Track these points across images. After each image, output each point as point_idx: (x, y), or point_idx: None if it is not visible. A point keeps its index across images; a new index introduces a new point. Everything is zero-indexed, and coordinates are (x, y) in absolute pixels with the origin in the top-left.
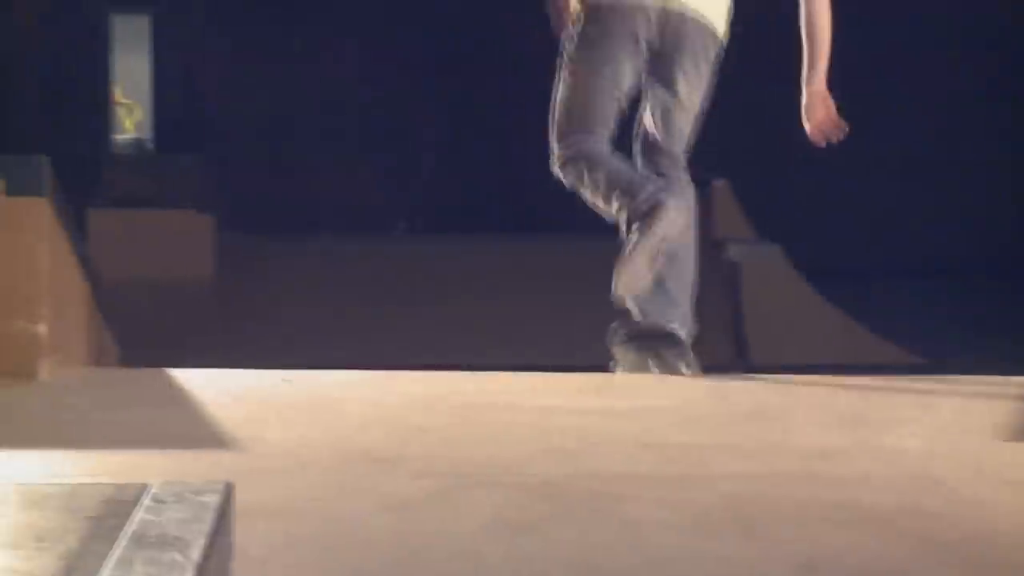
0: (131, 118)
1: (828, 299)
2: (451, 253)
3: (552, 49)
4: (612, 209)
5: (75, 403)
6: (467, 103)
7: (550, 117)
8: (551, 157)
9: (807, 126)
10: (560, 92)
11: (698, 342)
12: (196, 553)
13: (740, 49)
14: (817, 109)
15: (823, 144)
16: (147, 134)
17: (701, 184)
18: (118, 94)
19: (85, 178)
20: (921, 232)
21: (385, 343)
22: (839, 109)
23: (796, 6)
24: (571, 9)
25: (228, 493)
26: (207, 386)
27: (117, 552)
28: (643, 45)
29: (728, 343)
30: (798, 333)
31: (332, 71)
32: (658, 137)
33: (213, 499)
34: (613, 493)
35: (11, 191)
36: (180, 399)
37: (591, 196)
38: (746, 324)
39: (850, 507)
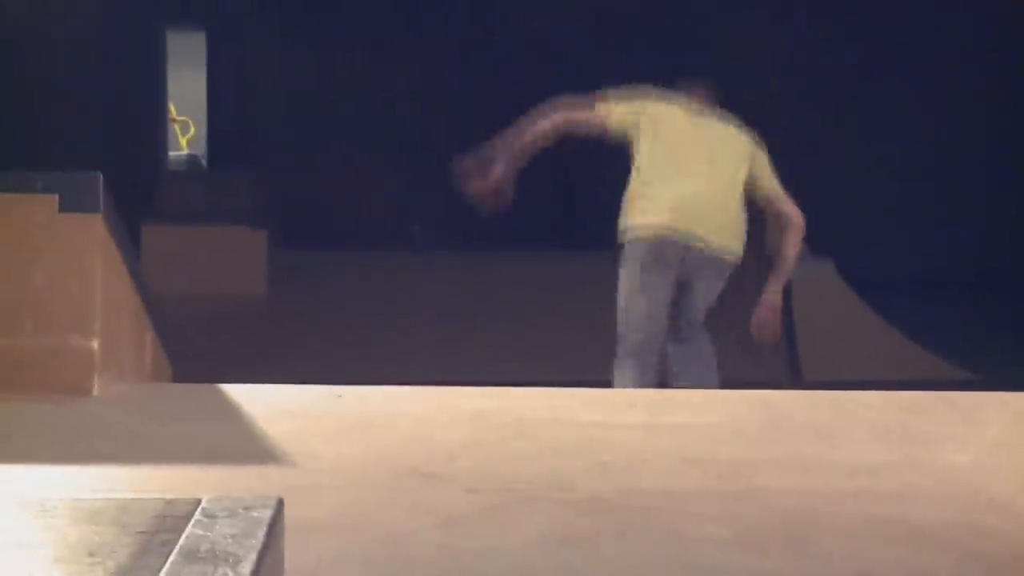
0: (186, 135)
1: (880, 313)
2: (503, 268)
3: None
4: None
5: (127, 418)
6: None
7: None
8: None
9: (752, 320)
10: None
11: (750, 357)
12: (247, 568)
13: (791, 77)
14: (766, 316)
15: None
16: (201, 151)
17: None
18: (173, 111)
19: (139, 194)
20: (977, 243)
21: (435, 358)
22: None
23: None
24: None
25: (279, 508)
26: (258, 401)
27: (168, 567)
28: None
29: (780, 359)
30: (849, 348)
31: (386, 88)
32: (680, 322)
33: (264, 514)
34: (661, 508)
35: (65, 207)
36: (231, 414)
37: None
38: (798, 340)
39: (900, 523)
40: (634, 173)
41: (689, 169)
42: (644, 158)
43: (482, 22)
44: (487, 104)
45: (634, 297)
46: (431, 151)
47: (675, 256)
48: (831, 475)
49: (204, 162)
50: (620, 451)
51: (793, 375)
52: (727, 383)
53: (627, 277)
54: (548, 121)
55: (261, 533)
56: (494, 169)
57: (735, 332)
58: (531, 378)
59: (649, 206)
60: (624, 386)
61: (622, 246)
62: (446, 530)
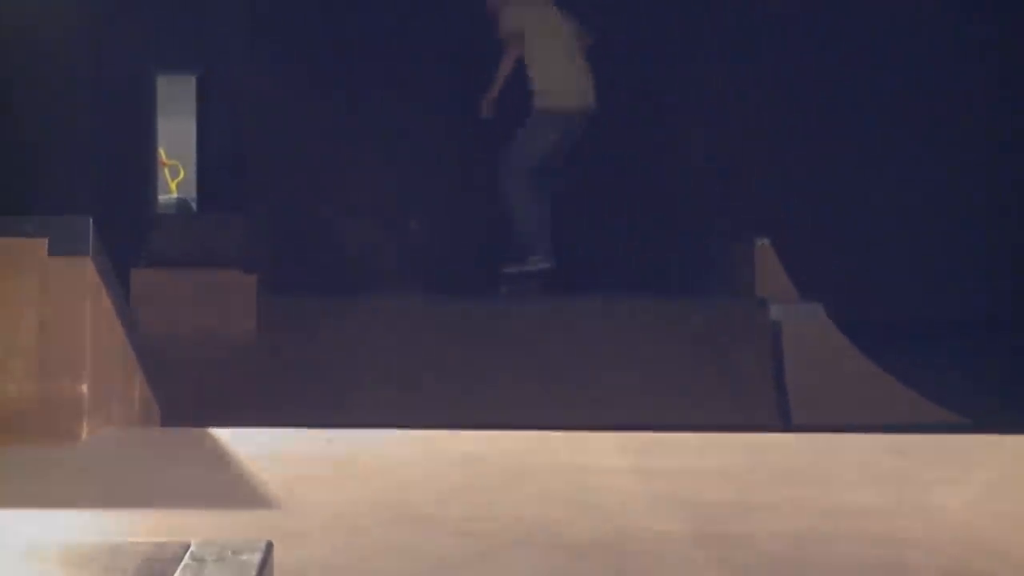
0: (175, 179)
1: (871, 356)
2: (496, 313)
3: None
4: None
5: (117, 462)
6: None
7: None
8: None
9: None
10: None
11: (739, 401)
12: None
13: (771, 114)
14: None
15: None
16: (191, 194)
17: (745, 244)
18: (163, 155)
19: (129, 238)
20: (967, 285)
21: (426, 402)
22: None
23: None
24: None
25: (268, 552)
26: (249, 445)
27: None
28: None
29: (770, 402)
30: (840, 392)
31: (376, 130)
32: None
33: (253, 558)
34: (654, 552)
35: (54, 251)
36: (221, 458)
37: None
38: (788, 383)
39: (892, 567)
40: None
41: None
42: None
43: (476, 69)
44: (481, 157)
45: None
46: (424, 195)
47: None
48: (822, 519)
49: (194, 206)
50: (611, 495)
51: (783, 418)
52: (717, 427)
53: None
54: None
55: None
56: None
57: (725, 377)
58: (527, 421)
59: None
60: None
61: None
62: (438, 574)
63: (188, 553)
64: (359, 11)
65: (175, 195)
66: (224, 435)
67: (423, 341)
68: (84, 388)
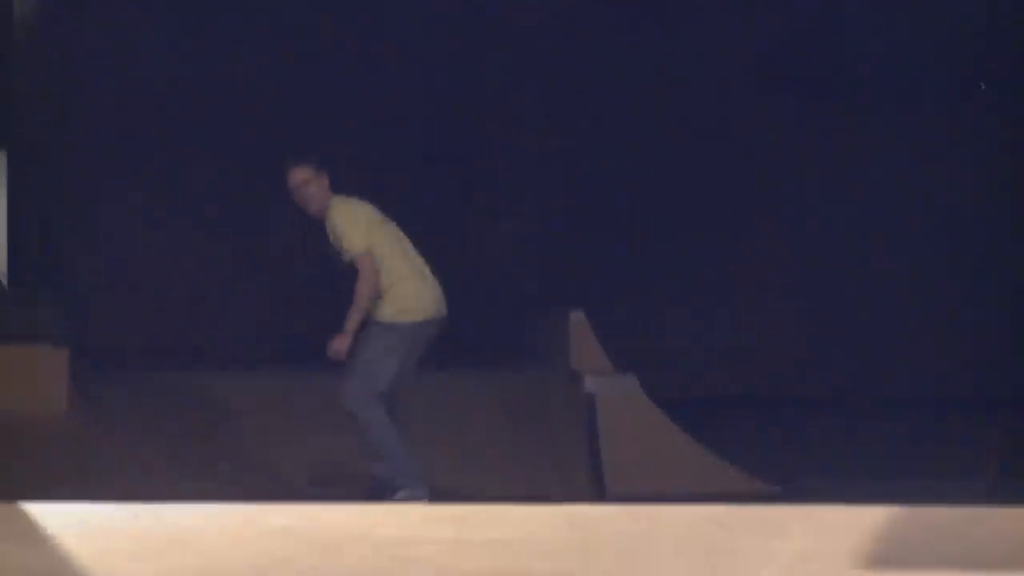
0: None
1: (685, 429)
2: (307, 386)
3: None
4: None
5: None
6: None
7: None
8: None
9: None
10: None
11: (556, 472)
12: None
13: (593, 190)
14: (337, 339)
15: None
16: (0, 270)
17: (558, 317)
18: None
19: None
20: (776, 358)
21: (243, 476)
22: None
23: None
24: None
25: None
26: (61, 520)
27: None
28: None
29: (585, 473)
30: (654, 463)
31: (187, 202)
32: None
33: None
34: None
35: None
36: (34, 534)
37: None
38: (603, 454)
39: None
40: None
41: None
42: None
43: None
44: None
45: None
46: (241, 271)
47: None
48: None
49: (4, 281)
50: (429, 568)
51: (598, 489)
52: (534, 498)
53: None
54: (371, 295)
55: None
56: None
57: (540, 448)
58: (342, 493)
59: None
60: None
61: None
62: None
63: None
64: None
65: None
66: (36, 510)
67: (238, 415)
68: None
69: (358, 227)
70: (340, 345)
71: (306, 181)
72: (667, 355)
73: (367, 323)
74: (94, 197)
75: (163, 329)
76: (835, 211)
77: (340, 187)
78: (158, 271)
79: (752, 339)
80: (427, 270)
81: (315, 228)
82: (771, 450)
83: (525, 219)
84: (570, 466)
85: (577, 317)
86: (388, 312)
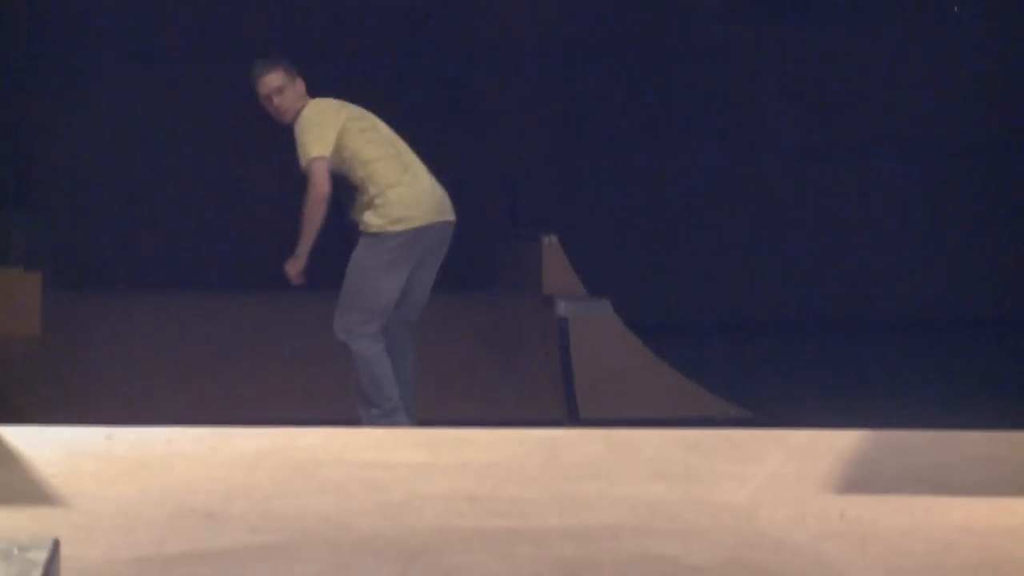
0: None
1: (658, 353)
2: (281, 307)
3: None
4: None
5: None
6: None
7: None
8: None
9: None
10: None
11: (528, 397)
12: None
13: (569, 110)
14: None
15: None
16: None
17: (531, 241)
18: None
19: None
20: (756, 285)
21: (212, 400)
22: None
23: None
24: None
25: (55, 549)
26: (33, 443)
27: None
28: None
29: (558, 398)
30: (627, 387)
31: (159, 122)
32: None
33: (40, 555)
34: (441, 547)
35: None
36: (5, 456)
37: None
38: (575, 379)
39: (678, 561)
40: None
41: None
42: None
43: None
44: (253, 142)
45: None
46: (213, 188)
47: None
48: (609, 513)
49: None
50: (401, 490)
51: (570, 414)
52: (506, 422)
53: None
54: (320, 210)
55: (37, 574)
56: (300, 262)
57: (513, 372)
58: (317, 417)
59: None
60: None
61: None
62: (226, 570)
63: None
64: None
65: None
66: (7, 433)
67: (214, 338)
68: None
69: (320, 130)
70: (293, 269)
71: (279, 89)
72: (640, 279)
73: (359, 237)
74: (69, 117)
75: (138, 252)
76: (813, 131)
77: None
78: (134, 192)
79: (726, 263)
80: (426, 174)
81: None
82: (744, 375)
83: (499, 142)
84: (543, 390)
85: (550, 241)
86: (376, 223)
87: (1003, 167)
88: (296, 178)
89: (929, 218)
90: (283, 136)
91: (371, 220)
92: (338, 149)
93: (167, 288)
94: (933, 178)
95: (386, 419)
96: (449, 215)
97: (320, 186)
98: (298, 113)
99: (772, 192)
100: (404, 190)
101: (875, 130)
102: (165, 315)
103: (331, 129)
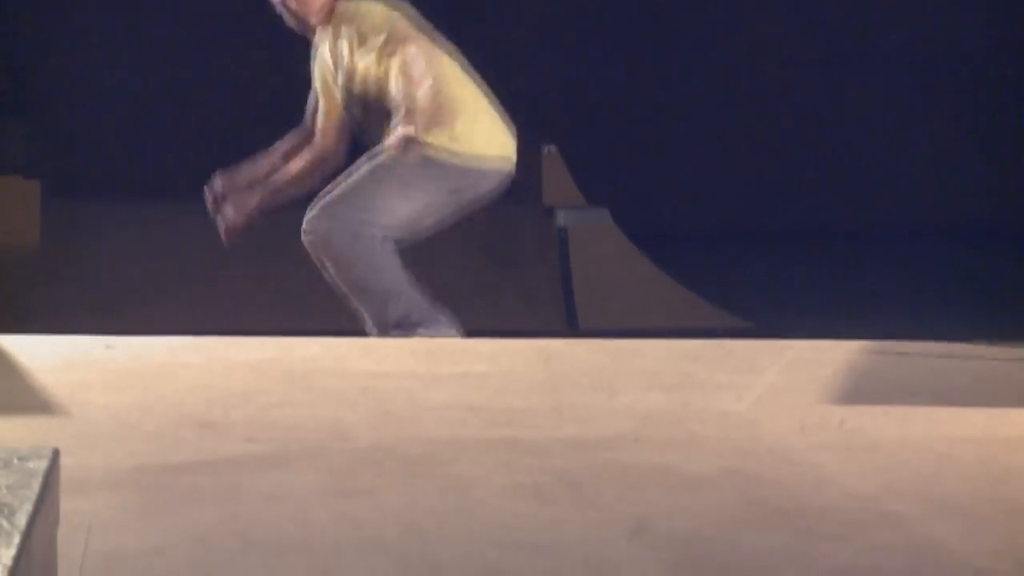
0: None
1: (658, 263)
2: (282, 216)
3: None
4: None
5: None
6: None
7: None
8: None
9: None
10: None
11: (527, 307)
12: (22, 519)
13: (571, 22)
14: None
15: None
16: None
17: (531, 151)
18: None
19: None
20: (757, 195)
21: (213, 309)
22: None
23: None
24: None
25: (54, 459)
26: (32, 352)
27: None
28: None
29: (557, 308)
30: (626, 297)
31: (161, 25)
32: None
33: (39, 465)
34: (442, 458)
35: None
36: (4, 365)
37: None
38: (575, 289)
39: (677, 471)
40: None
41: None
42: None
43: None
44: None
45: None
46: (214, 96)
47: None
48: (609, 423)
49: None
50: (400, 400)
51: (570, 324)
52: (505, 332)
53: None
54: (306, 165)
55: (36, 484)
56: (249, 200)
57: (512, 282)
58: (315, 327)
59: None
60: None
61: None
62: (226, 479)
63: None
64: None
65: None
66: (6, 341)
67: (214, 248)
68: None
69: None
70: (228, 221)
71: None
72: (641, 189)
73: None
74: (68, 22)
75: (138, 159)
76: (813, 40)
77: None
78: (134, 100)
79: (727, 173)
80: (495, 104)
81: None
82: (744, 285)
83: (500, 52)
84: (542, 300)
85: (549, 151)
86: (443, 144)
87: (1006, 75)
88: (301, 80)
89: (934, 126)
90: (288, 41)
91: (437, 140)
92: (387, 55)
93: (168, 196)
94: (936, 85)
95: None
96: (511, 165)
97: (330, 145)
98: (327, 16)
99: (773, 101)
100: (483, 117)
101: (877, 39)
102: (166, 223)
103: (384, 33)
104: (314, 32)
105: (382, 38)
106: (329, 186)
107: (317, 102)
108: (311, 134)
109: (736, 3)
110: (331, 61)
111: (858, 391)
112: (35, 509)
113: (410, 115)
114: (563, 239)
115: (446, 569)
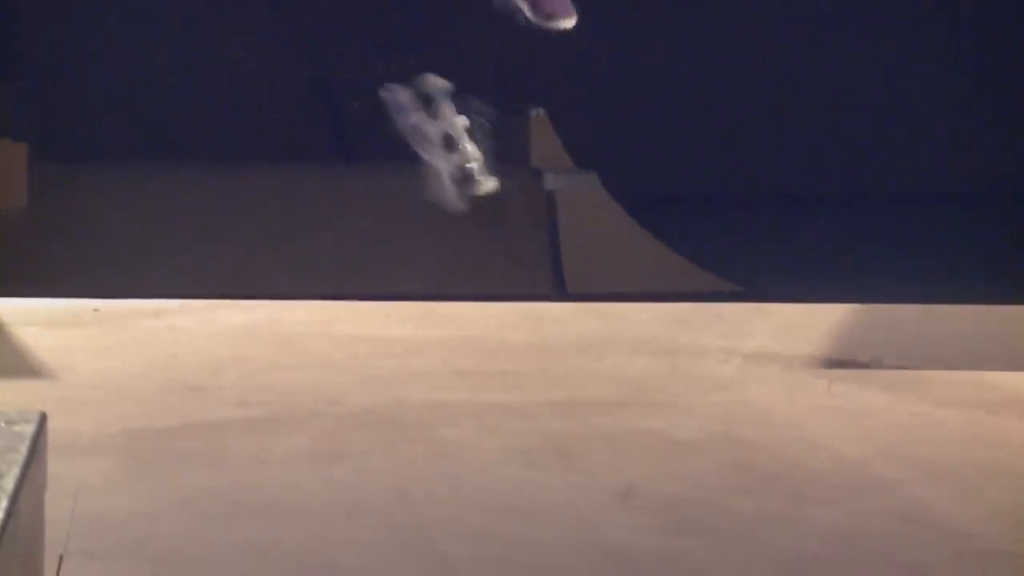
0: None
1: (646, 227)
2: (269, 180)
3: None
4: None
5: None
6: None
7: None
8: None
9: None
10: None
11: (515, 271)
12: (9, 483)
13: None
14: None
15: None
16: None
17: (518, 114)
18: None
19: None
20: (746, 159)
21: (200, 273)
22: None
23: None
24: None
25: (42, 423)
26: (19, 316)
27: None
28: None
29: (545, 272)
30: (615, 261)
31: None
32: None
33: (27, 429)
34: (429, 421)
35: None
36: None
37: None
38: (563, 253)
39: (665, 435)
40: None
41: None
42: None
43: None
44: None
45: None
46: (207, 59)
47: None
48: (597, 387)
49: None
50: (388, 364)
51: (558, 288)
52: (493, 296)
53: None
54: None
55: (24, 448)
56: None
57: (500, 245)
58: (302, 291)
59: None
60: None
61: None
62: (213, 443)
63: None
64: None
65: None
66: None
67: (202, 209)
68: None
69: None
70: None
71: None
72: (629, 152)
73: None
74: None
75: (126, 122)
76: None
77: None
78: (122, 62)
79: (715, 136)
80: None
81: None
82: (732, 248)
83: (486, 14)
84: (530, 265)
85: (538, 114)
86: None
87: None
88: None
89: (920, 91)
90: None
91: None
92: None
93: (156, 159)
94: (937, 39)
95: None
96: None
97: None
98: None
99: (761, 63)
100: None
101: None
102: (154, 187)
103: None
104: None
105: None
106: None
107: None
108: None
109: None
110: None
111: (845, 355)
112: (22, 473)
113: None
114: (551, 203)
115: (434, 532)
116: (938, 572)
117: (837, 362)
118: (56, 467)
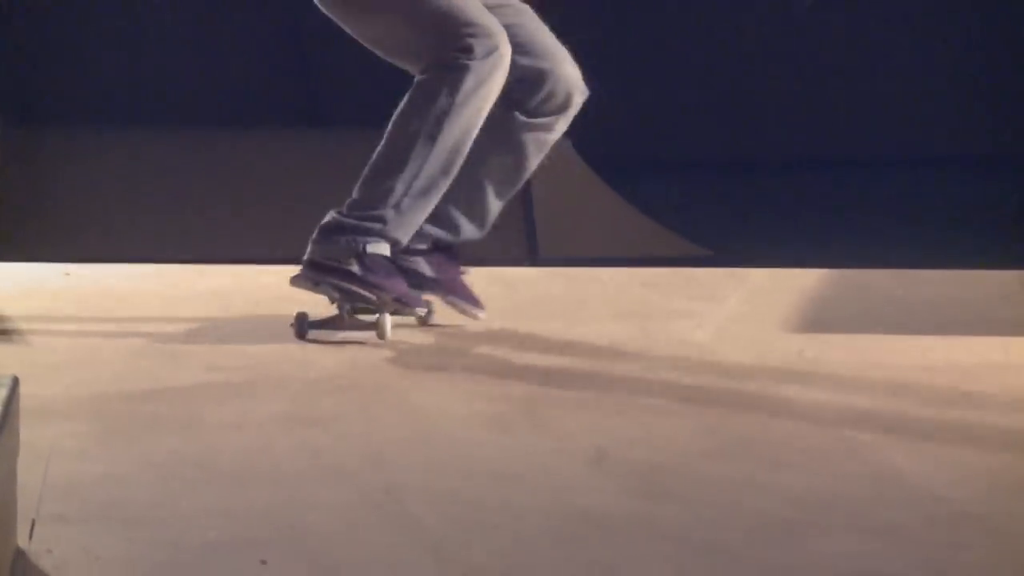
0: None
1: (619, 192)
2: (242, 143)
3: None
4: None
5: None
6: None
7: None
8: None
9: None
10: None
11: (488, 236)
12: None
13: None
14: None
15: None
16: None
17: None
18: None
19: None
20: (719, 122)
21: (172, 237)
22: None
23: None
24: None
25: (14, 387)
26: None
27: None
28: None
29: (518, 237)
30: (587, 226)
31: None
32: None
33: None
34: (402, 387)
35: None
36: None
37: None
38: (535, 218)
39: (638, 398)
40: None
41: None
42: None
43: None
44: None
45: None
46: (172, 21)
47: None
48: (569, 352)
49: None
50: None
51: (530, 253)
52: (466, 261)
53: None
54: None
55: None
56: None
57: None
58: (277, 255)
59: None
60: None
61: None
62: (187, 408)
63: None
64: None
65: None
66: None
67: (174, 173)
68: None
69: None
70: None
71: None
72: (602, 117)
73: None
74: None
75: (96, 85)
76: None
77: None
78: (95, 24)
79: (688, 100)
80: None
81: None
82: (705, 213)
83: None
84: (503, 229)
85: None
86: None
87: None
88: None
89: (888, 54)
90: None
91: None
92: None
93: (127, 123)
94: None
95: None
96: None
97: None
98: None
99: (733, 28)
100: None
101: None
102: (125, 150)
103: None
104: None
105: None
106: None
107: None
108: None
109: None
110: None
111: (818, 320)
112: None
113: None
114: None
115: (407, 497)
116: (909, 535)
117: (809, 326)
118: (28, 432)
